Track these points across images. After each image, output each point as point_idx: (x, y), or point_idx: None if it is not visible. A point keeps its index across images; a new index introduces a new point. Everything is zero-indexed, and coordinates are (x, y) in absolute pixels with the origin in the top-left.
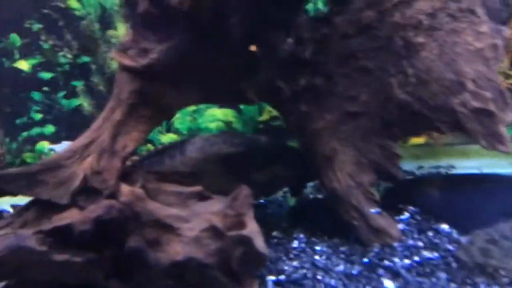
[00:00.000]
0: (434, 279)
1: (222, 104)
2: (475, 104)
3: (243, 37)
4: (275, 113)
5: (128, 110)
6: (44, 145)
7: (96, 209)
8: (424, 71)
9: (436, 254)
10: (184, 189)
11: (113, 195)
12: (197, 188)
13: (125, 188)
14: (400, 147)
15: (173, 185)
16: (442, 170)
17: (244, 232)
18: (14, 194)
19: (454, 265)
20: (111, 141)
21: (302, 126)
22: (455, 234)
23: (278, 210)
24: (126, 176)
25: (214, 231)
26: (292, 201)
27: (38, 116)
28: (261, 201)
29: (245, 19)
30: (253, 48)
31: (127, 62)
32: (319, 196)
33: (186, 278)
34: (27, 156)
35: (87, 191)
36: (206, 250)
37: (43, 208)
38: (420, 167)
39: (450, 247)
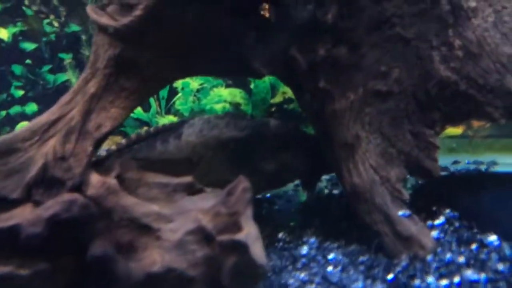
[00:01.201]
0: None
1: (222, 76)
2: None
3: None
4: (290, 94)
5: (106, 81)
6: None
7: (53, 205)
8: (475, 43)
9: (483, 275)
10: (171, 180)
11: (80, 187)
12: (187, 178)
13: (95, 178)
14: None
15: (159, 175)
16: (483, 167)
17: (239, 236)
18: None
19: None
20: (82, 119)
21: (319, 107)
22: (507, 250)
23: (287, 207)
24: (100, 163)
25: (202, 234)
26: (303, 196)
27: (19, 93)
28: (268, 195)
29: None
30: (264, 9)
31: (105, 20)
32: (336, 191)
33: None
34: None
35: (47, 182)
36: (190, 258)
37: None
38: (456, 162)
39: (501, 267)
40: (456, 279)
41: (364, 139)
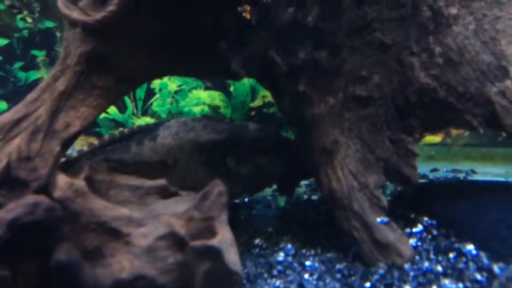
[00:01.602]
0: None
1: (200, 78)
2: None
3: None
4: (270, 98)
5: (76, 79)
6: None
7: (16, 207)
8: (455, 50)
9: (461, 285)
10: (144, 183)
11: (45, 188)
12: (160, 181)
13: (62, 180)
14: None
15: (131, 178)
16: (461, 175)
17: (213, 242)
18: None
19: None
20: (50, 117)
21: (298, 111)
22: (485, 259)
23: (265, 212)
24: (68, 164)
25: (174, 240)
26: (282, 201)
27: None
28: (246, 199)
29: None
30: (246, 11)
31: (76, 15)
32: (315, 197)
33: None
34: None
35: (10, 183)
36: (161, 265)
37: None
38: (435, 170)
39: (479, 276)
40: None
41: (343, 145)
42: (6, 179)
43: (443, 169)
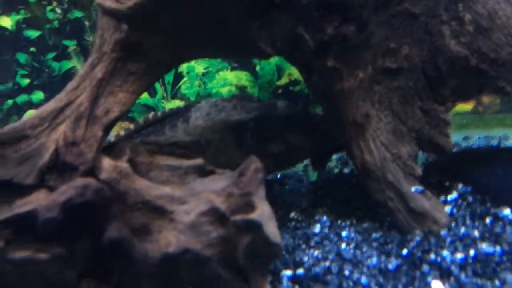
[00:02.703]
0: (497, 282)
1: (229, 58)
2: None
3: None
4: (296, 76)
5: (113, 66)
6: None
7: (67, 190)
8: (485, 16)
9: (498, 248)
10: (182, 163)
11: (92, 171)
12: (198, 160)
13: (107, 163)
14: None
15: (170, 158)
16: (494, 142)
17: (253, 216)
18: None
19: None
20: (91, 104)
21: (328, 86)
22: None
23: (298, 187)
24: (110, 148)
25: (215, 215)
26: (314, 175)
27: (25, 81)
28: (278, 176)
29: None
30: None
31: (110, 3)
32: (346, 170)
33: (180, 275)
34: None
35: (59, 167)
36: (205, 239)
37: (2, 190)
38: (467, 138)
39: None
40: (472, 252)
41: (374, 117)
42: (55, 164)
43: (476, 137)
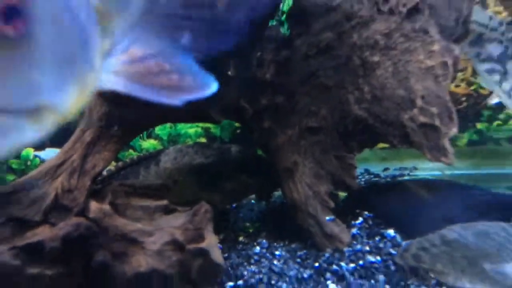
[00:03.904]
0: (373, 281)
1: (189, 122)
2: (422, 119)
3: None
4: None
5: (99, 132)
6: (29, 151)
7: (65, 226)
8: (378, 88)
9: (378, 258)
10: (152, 203)
11: (83, 212)
12: (163, 202)
13: (93, 205)
14: (368, 150)
15: (142, 199)
16: (406, 172)
17: (203, 245)
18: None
19: (392, 268)
20: (82, 161)
21: (265, 142)
22: (398, 238)
23: (249, 214)
24: (96, 192)
25: (175, 244)
26: (262, 205)
27: None
28: (233, 205)
29: None
30: None
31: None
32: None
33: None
34: (13, 162)
35: (58, 209)
36: (168, 262)
37: (17, 224)
38: (386, 169)
39: (392, 251)
40: (361, 262)
41: (300, 164)
42: (55, 206)
43: (392, 168)
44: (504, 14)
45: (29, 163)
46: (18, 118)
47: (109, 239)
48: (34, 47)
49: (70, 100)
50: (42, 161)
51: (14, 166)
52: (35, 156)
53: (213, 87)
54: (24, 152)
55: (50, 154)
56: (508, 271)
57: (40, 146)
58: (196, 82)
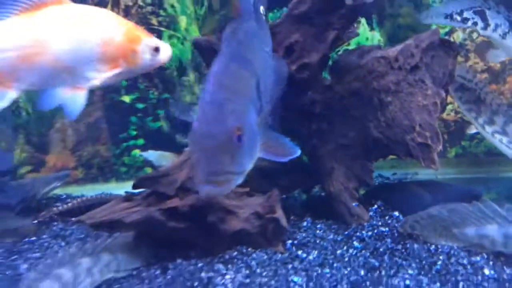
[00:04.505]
0: (382, 242)
1: None
2: (419, 139)
3: None
4: None
5: None
6: (137, 152)
7: (190, 199)
8: (390, 118)
9: (387, 229)
10: (239, 190)
11: (198, 192)
12: (246, 189)
13: None
14: (382, 160)
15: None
16: (409, 176)
17: (275, 215)
18: (144, 188)
19: (396, 234)
20: None
21: (313, 153)
22: (400, 217)
23: (295, 203)
24: None
25: (257, 215)
26: (303, 196)
27: (134, 133)
28: (284, 196)
29: None
30: None
31: None
32: (323, 194)
33: (241, 240)
34: (126, 159)
35: (183, 189)
36: (252, 225)
37: (160, 196)
38: (394, 174)
39: (396, 225)
40: (376, 231)
41: (336, 169)
42: (181, 187)
43: (399, 173)
44: (481, 63)
45: (137, 158)
46: (237, 177)
47: (216, 209)
48: (245, 148)
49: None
50: (145, 159)
51: (126, 161)
52: (140, 155)
53: (298, 152)
54: (133, 152)
55: (151, 154)
56: (468, 233)
57: (144, 148)
58: (287, 150)
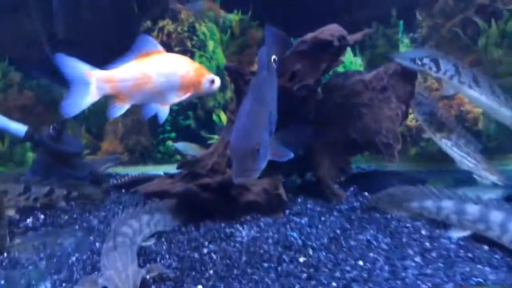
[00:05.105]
0: (354, 212)
1: None
2: (385, 140)
3: None
4: None
5: None
6: (169, 143)
7: (219, 178)
8: (365, 125)
9: (358, 204)
10: None
11: (224, 173)
12: None
13: (229, 171)
14: (359, 155)
15: None
16: (379, 168)
17: (278, 192)
18: (185, 169)
19: (364, 207)
20: (223, 150)
21: (307, 149)
22: (369, 196)
23: (292, 184)
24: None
25: (265, 190)
26: (299, 181)
27: (168, 128)
28: (284, 180)
29: None
30: None
31: None
32: (313, 179)
33: (253, 208)
34: (161, 148)
35: (213, 170)
36: (262, 198)
37: (194, 175)
38: (369, 166)
39: (365, 202)
40: (350, 205)
41: (324, 160)
42: (212, 169)
43: (373, 166)
44: (436, 85)
45: (171, 147)
46: (257, 172)
47: (236, 186)
48: (261, 155)
49: (264, 166)
50: (176, 148)
51: (161, 149)
52: (172, 145)
53: (291, 155)
54: (167, 143)
55: (180, 144)
56: (413, 205)
57: (176, 140)
58: (285, 154)
